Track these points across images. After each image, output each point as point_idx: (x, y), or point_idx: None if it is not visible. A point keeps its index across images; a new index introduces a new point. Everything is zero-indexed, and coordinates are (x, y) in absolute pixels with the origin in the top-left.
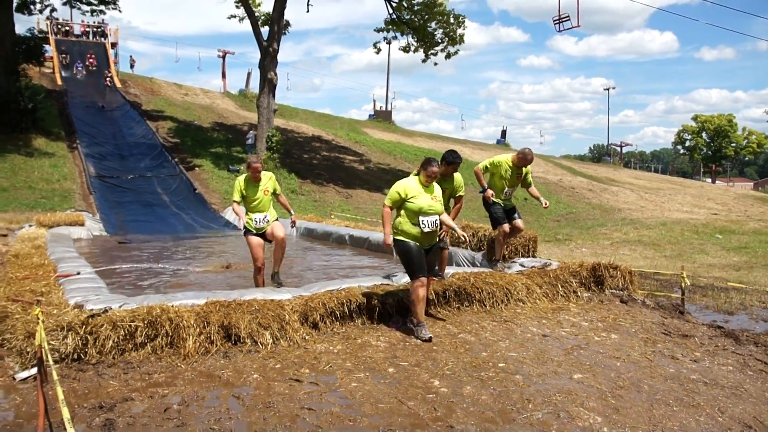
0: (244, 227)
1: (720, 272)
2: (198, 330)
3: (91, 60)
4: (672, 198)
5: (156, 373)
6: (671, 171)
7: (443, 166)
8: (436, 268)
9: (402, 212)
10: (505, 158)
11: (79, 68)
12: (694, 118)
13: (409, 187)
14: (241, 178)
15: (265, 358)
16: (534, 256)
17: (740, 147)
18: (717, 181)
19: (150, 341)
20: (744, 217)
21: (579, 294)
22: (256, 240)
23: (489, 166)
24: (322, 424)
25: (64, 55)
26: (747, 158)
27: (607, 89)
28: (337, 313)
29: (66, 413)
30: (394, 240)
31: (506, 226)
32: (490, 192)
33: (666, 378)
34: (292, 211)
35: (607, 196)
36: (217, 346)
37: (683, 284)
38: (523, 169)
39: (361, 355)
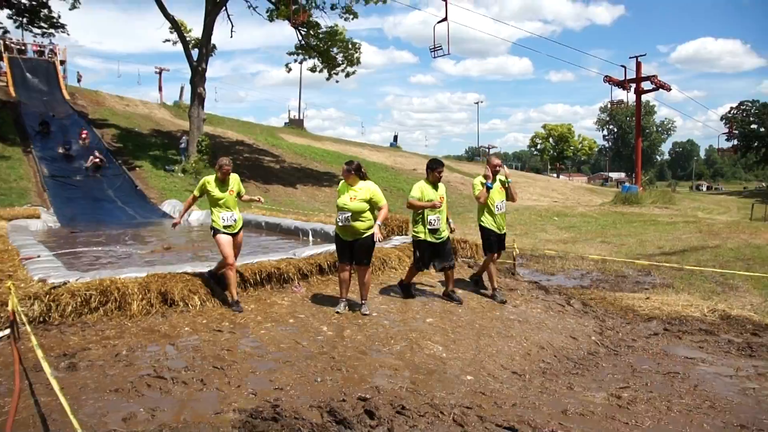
0: (212, 227)
1: (553, 245)
2: (141, 296)
3: (83, 135)
4: (525, 189)
5: (108, 330)
6: (527, 168)
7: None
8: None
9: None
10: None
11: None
12: (544, 127)
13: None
14: (210, 178)
15: (195, 316)
16: (406, 235)
17: (577, 149)
18: (560, 176)
19: (102, 306)
20: (576, 204)
21: None
22: (225, 238)
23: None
24: (237, 359)
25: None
26: (583, 158)
27: (477, 103)
28: (251, 280)
29: (40, 353)
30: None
31: (494, 255)
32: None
33: (492, 319)
34: (259, 198)
35: None
36: (156, 308)
37: (514, 253)
38: (499, 178)
39: (269, 311)
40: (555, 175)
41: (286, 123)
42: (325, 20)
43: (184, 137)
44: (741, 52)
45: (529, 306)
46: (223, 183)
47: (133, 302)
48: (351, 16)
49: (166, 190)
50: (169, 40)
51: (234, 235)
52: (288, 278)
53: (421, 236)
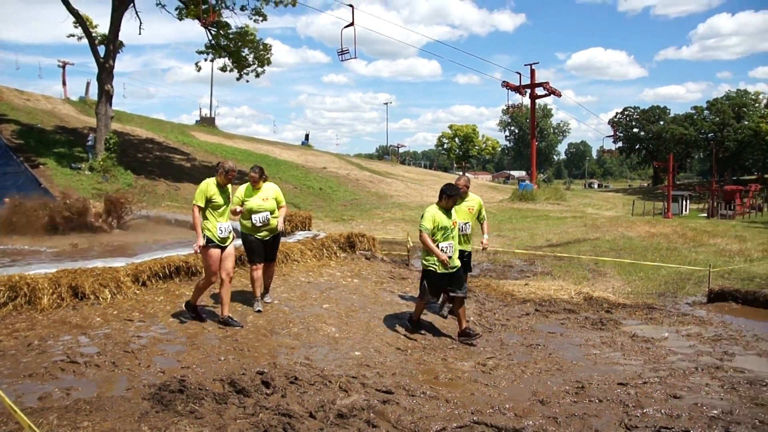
0: (206, 238)
1: None
2: (51, 290)
3: None
4: (431, 187)
5: (18, 323)
6: (435, 166)
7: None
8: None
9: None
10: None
11: None
12: (450, 127)
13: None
14: (210, 182)
15: (105, 308)
16: (309, 230)
17: (481, 149)
18: (467, 174)
19: (11, 301)
20: None
21: (338, 254)
22: (216, 253)
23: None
24: (147, 344)
25: None
26: (487, 157)
27: (386, 103)
28: (161, 274)
29: None
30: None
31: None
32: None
33: (383, 304)
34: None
35: (383, 186)
36: (67, 301)
37: (408, 245)
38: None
39: (178, 302)
40: (461, 173)
41: (197, 121)
42: (235, 20)
43: (91, 135)
44: (626, 62)
45: (417, 292)
46: (223, 189)
47: (44, 297)
48: (260, 18)
49: (73, 188)
50: (73, 35)
51: (224, 248)
52: (196, 271)
53: (433, 268)
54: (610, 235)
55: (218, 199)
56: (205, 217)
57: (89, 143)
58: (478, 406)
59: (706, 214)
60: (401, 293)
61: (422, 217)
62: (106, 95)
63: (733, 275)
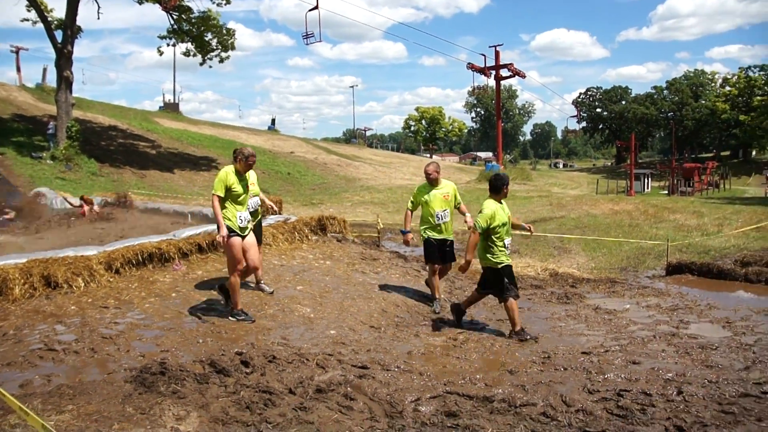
0: (227, 227)
1: None
2: (23, 281)
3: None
4: (399, 169)
5: None
6: (402, 149)
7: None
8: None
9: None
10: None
11: None
12: (417, 110)
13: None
14: (229, 170)
15: (79, 296)
16: (280, 214)
17: (448, 131)
18: (434, 156)
19: None
20: None
21: (309, 237)
22: (238, 242)
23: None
24: (125, 330)
25: None
26: (454, 139)
27: (352, 86)
28: (134, 261)
29: None
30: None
31: (436, 266)
32: (410, 236)
33: (355, 284)
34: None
35: (351, 170)
36: (39, 291)
37: (378, 227)
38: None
39: (152, 288)
40: (428, 155)
41: (161, 107)
42: (197, 4)
43: (51, 123)
44: (589, 43)
45: (389, 272)
46: (242, 177)
47: (15, 287)
48: (224, 2)
49: (34, 177)
50: (28, 20)
51: (245, 237)
52: (169, 257)
53: (504, 261)
54: (575, 213)
55: (238, 188)
56: (223, 207)
57: (50, 131)
58: (450, 377)
59: (667, 191)
60: (375, 272)
61: (483, 211)
62: (65, 82)
63: (690, 249)
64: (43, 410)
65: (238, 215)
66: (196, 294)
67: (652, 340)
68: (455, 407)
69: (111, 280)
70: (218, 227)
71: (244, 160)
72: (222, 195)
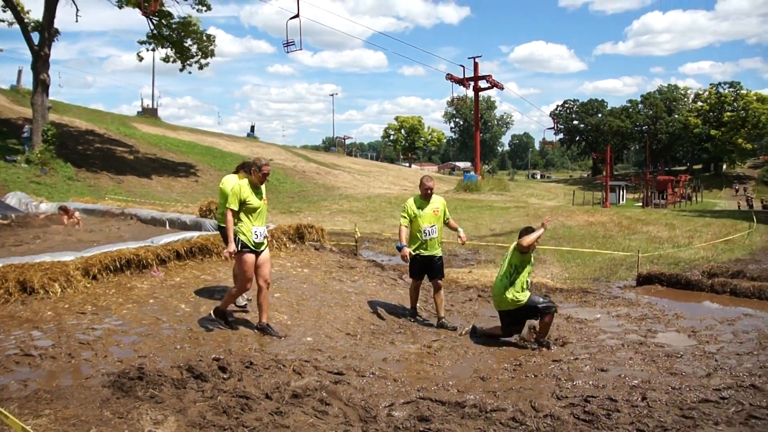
0: (240, 243)
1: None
2: None
3: None
4: (378, 178)
5: None
6: (381, 158)
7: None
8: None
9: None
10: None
11: None
12: (396, 119)
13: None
14: (243, 182)
15: (56, 302)
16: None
17: (427, 140)
18: (413, 165)
19: None
20: None
21: (287, 245)
22: (251, 259)
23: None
24: (102, 336)
25: None
26: (433, 148)
27: (332, 95)
28: (111, 267)
29: None
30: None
31: (418, 281)
32: (406, 250)
33: (332, 292)
34: None
35: (330, 178)
36: (15, 296)
37: (356, 236)
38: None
39: (130, 294)
40: (407, 164)
41: (139, 112)
42: (178, 10)
43: (26, 126)
44: (567, 56)
45: (366, 281)
46: (257, 189)
47: None
48: (204, 8)
49: (8, 181)
50: (3, 20)
51: (259, 254)
52: (147, 264)
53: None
54: (551, 225)
55: (253, 200)
56: (238, 220)
57: (25, 135)
58: (423, 383)
59: (641, 204)
60: (352, 281)
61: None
62: (42, 85)
63: (661, 260)
64: (20, 414)
65: (254, 230)
66: (174, 300)
67: (621, 348)
68: (428, 412)
69: (88, 285)
70: (227, 242)
71: (258, 171)
72: (236, 209)
